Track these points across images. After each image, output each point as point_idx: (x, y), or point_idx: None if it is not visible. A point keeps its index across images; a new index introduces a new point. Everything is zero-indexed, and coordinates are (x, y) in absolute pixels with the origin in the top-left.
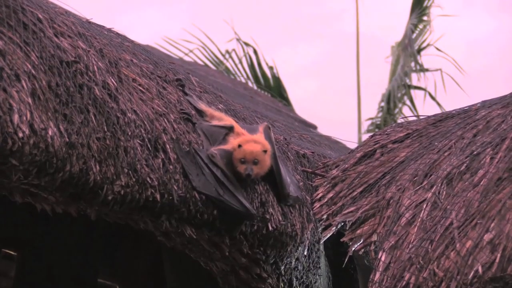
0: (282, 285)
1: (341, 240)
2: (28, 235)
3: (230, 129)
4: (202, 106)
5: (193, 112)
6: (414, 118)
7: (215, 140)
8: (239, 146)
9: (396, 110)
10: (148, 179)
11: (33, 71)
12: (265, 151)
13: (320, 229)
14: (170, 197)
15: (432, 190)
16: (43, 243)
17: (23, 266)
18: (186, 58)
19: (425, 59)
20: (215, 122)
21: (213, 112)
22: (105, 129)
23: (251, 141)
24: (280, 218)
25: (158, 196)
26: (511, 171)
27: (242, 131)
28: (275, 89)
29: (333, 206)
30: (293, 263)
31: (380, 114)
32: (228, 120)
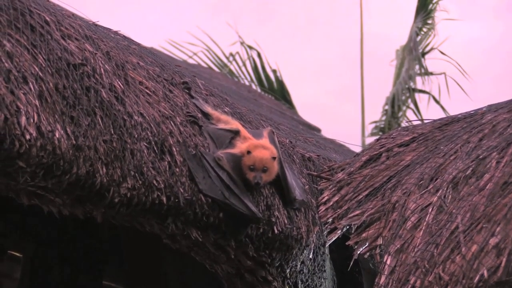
0: None
1: (347, 243)
2: (33, 237)
3: (236, 132)
4: (208, 109)
5: (199, 115)
6: (419, 121)
7: (221, 143)
8: (248, 152)
9: (400, 114)
10: (155, 181)
11: (40, 74)
12: (274, 158)
13: (325, 232)
14: (176, 200)
15: (438, 194)
16: (48, 245)
17: (28, 268)
18: (190, 61)
19: (429, 62)
20: (221, 125)
21: (219, 115)
22: (112, 132)
23: (259, 147)
24: (286, 221)
25: (164, 199)
26: None
27: (249, 135)
28: (278, 92)
29: (338, 210)
30: (299, 266)
31: (384, 118)
32: (234, 124)
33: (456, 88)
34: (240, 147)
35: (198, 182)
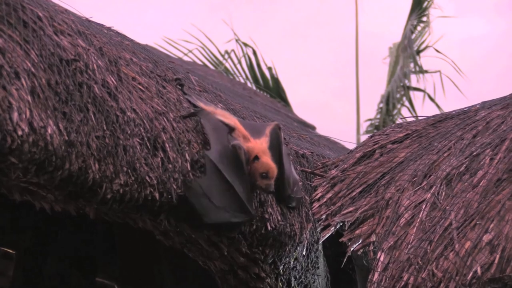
0: (281, 285)
1: (340, 240)
2: (26, 234)
3: (232, 129)
4: (202, 104)
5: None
6: (413, 118)
7: (219, 134)
8: (257, 158)
9: (395, 111)
10: (147, 177)
11: (32, 69)
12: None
13: (319, 229)
14: (169, 196)
15: (431, 191)
16: (41, 241)
17: (21, 265)
18: (185, 58)
19: (424, 60)
20: (219, 117)
21: (214, 109)
22: (105, 128)
23: (262, 153)
24: (279, 218)
25: (157, 195)
26: (511, 172)
27: (246, 134)
28: (274, 89)
29: (332, 206)
30: (292, 263)
31: (379, 115)
32: (231, 120)
33: (452, 86)
34: (244, 145)
35: (202, 214)
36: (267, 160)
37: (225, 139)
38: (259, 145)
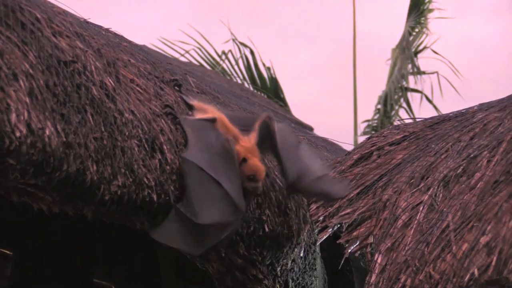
0: (278, 286)
1: (338, 241)
2: (23, 235)
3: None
4: (194, 102)
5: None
6: (411, 120)
7: (199, 135)
8: (244, 160)
9: (393, 113)
10: (145, 179)
11: (30, 71)
12: None
13: (316, 230)
14: (167, 198)
15: (429, 193)
16: (39, 242)
17: (19, 266)
18: (182, 60)
19: (422, 61)
20: (199, 115)
21: (203, 105)
22: (103, 129)
23: (250, 154)
24: (277, 220)
25: (155, 197)
26: (508, 174)
27: (235, 133)
28: (271, 90)
29: (329, 208)
30: (289, 264)
31: (376, 116)
32: (214, 113)
33: (450, 88)
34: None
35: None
36: (254, 162)
37: (209, 137)
38: (247, 144)
